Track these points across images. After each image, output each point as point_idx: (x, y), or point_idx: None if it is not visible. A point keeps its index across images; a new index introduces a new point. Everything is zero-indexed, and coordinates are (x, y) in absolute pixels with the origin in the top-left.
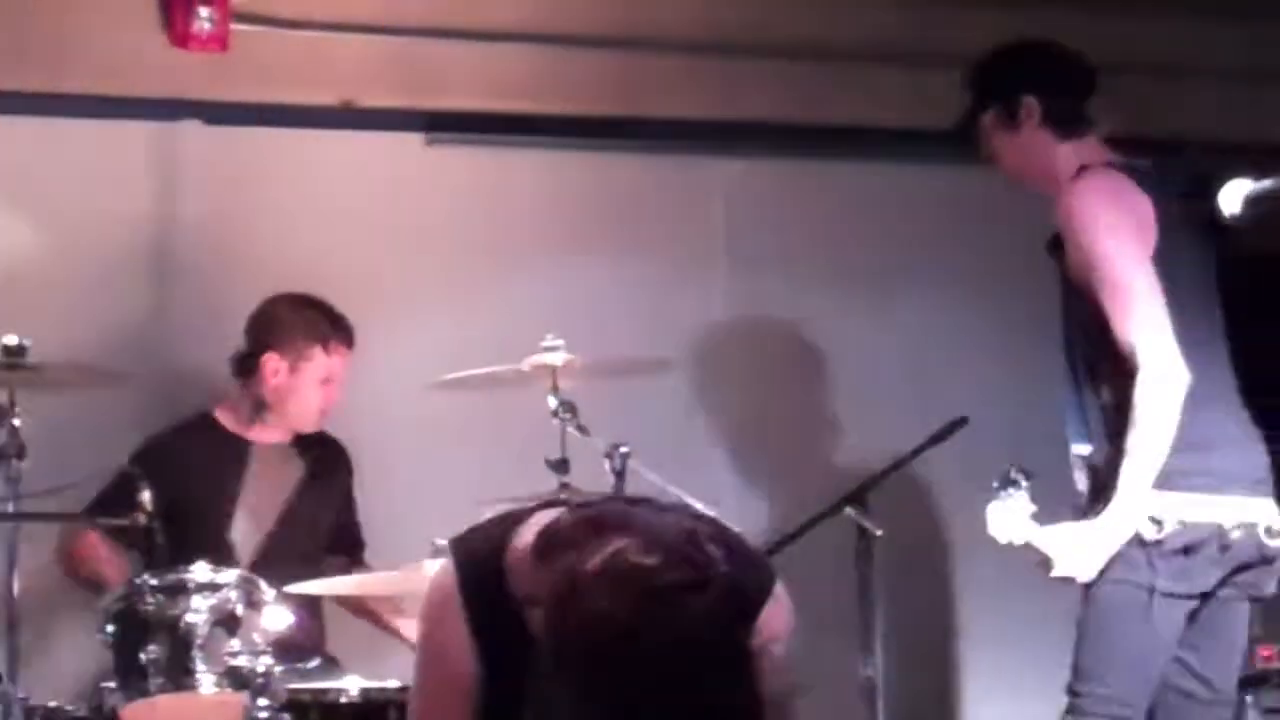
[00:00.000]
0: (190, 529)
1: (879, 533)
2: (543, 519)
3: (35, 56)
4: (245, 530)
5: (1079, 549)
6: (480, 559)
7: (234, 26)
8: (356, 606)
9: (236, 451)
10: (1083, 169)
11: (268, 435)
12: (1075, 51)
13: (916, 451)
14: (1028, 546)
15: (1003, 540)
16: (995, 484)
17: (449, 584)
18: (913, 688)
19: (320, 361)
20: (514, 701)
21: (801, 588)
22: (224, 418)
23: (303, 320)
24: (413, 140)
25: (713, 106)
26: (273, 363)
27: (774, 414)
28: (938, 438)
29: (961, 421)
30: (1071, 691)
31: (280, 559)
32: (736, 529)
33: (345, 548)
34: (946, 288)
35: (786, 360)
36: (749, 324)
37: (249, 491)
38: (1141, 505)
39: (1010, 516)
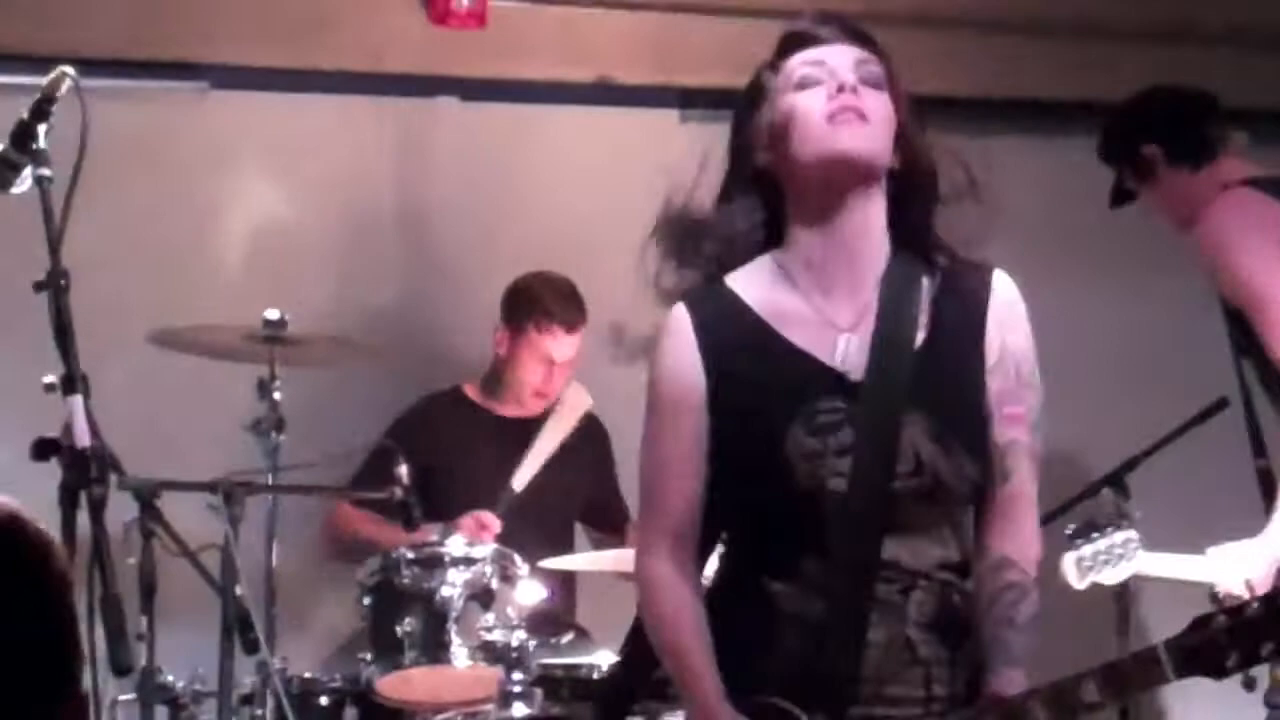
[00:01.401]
0: (441, 501)
1: (1139, 514)
2: None
3: (296, 34)
4: (493, 505)
5: (1241, 564)
6: (703, 284)
7: (492, 3)
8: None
9: (483, 424)
10: (1224, 189)
11: (510, 409)
12: (1185, 86)
13: (1179, 431)
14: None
15: (1079, 586)
16: (1068, 533)
17: (679, 307)
18: None
19: (533, 339)
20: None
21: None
22: (472, 391)
23: (527, 297)
24: (668, 116)
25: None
26: (499, 334)
27: None
28: (1200, 418)
29: (1222, 404)
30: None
31: (529, 533)
32: None
33: (604, 521)
34: (1165, 267)
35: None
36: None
37: (494, 463)
38: None
39: (1079, 566)
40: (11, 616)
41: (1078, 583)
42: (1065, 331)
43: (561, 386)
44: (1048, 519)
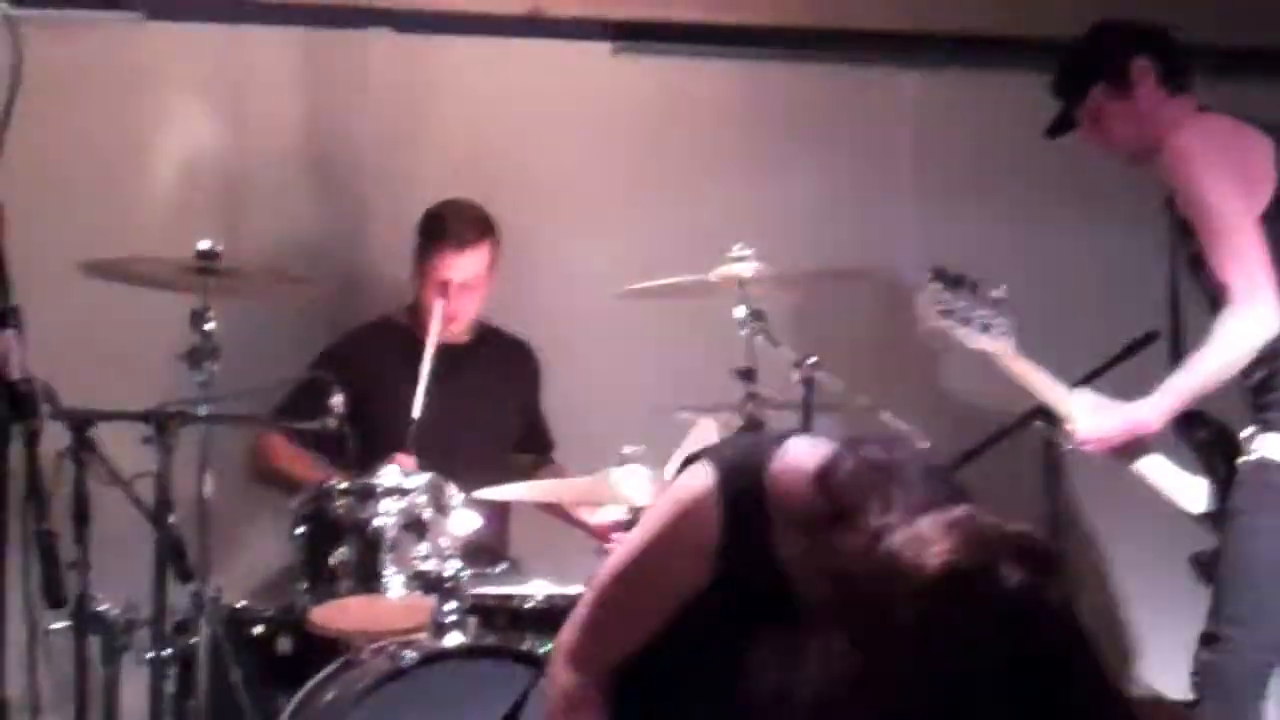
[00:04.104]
0: (373, 431)
1: (1069, 446)
2: (803, 447)
3: None
4: (428, 430)
5: (1100, 415)
6: (742, 470)
7: None
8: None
9: (411, 351)
10: (1199, 112)
11: (445, 336)
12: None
13: (1107, 365)
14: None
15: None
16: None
17: (710, 487)
18: (1090, 607)
19: (431, 262)
20: (727, 620)
21: (988, 505)
22: (404, 318)
23: (425, 219)
24: (600, 49)
25: (901, 19)
26: (412, 263)
27: None
28: (1128, 351)
29: (1153, 336)
30: (1214, 636)
31: (462, 460)
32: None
33: (533, 447)
34: (1142, 200)
35: (975, 272)
36: (937, 235)
37: (431, 391)
38: (1168, 411)
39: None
40: None
41: (927, 321)
42: (994, 268)
43: (472, 310)
44: (968, 456)
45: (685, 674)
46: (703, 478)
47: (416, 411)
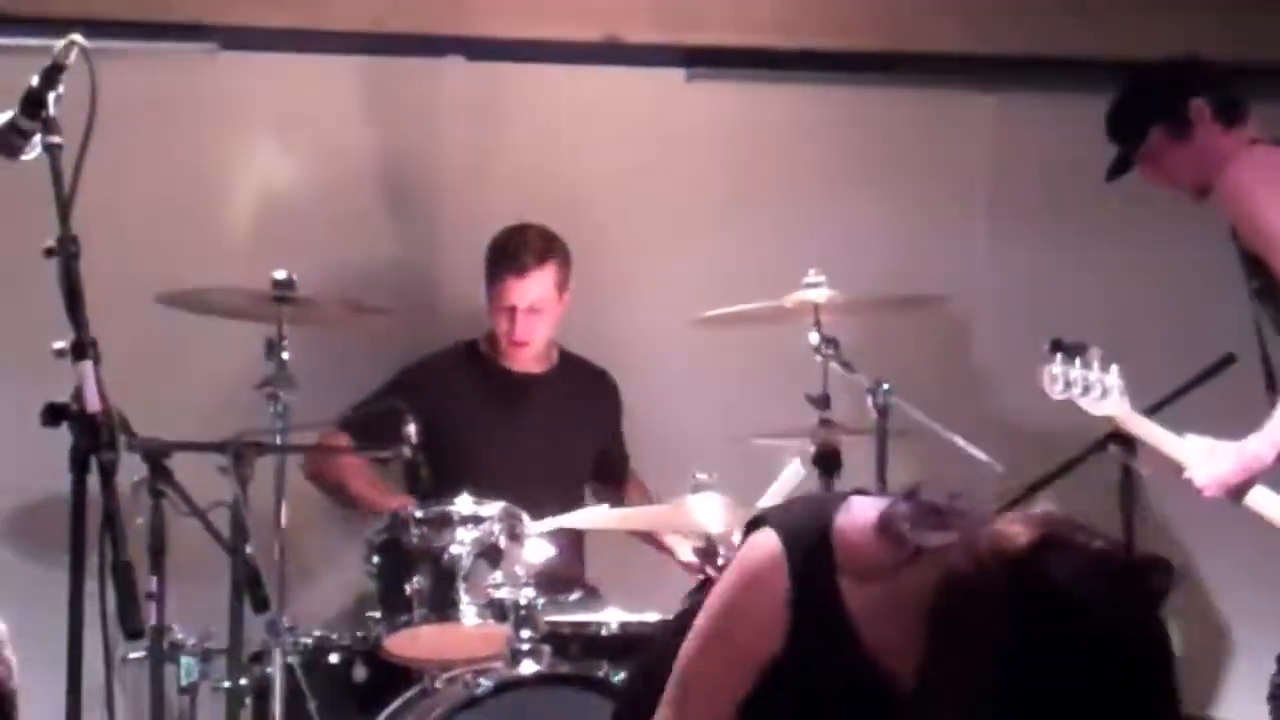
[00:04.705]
0: (445, 459)
1: (1145, 471)
2: (864, 502)
3: None
4: (502, 459)
5: (1215, 459)
6: (808, 531)
7: None
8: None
9: (490, 378)
10: (1251, 144)
11: (518, 364)
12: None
13: (1184, 389)
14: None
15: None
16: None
17: (776, 551)
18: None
19: (497, 288)
20: (804, 682)
21: None
22: (484, 345)
23: (493, 247)
24: (674, 75)
25: (972, 40)
26: (484, 288)
27: (1037, 350)
28: (1205, 376)
29: (1229, 359)
30: None
31: (538, 489)
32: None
33: (612, 474)
34: (1217, 224)
35: (1050, 295)
36: (1012, 259)
37: (502, 418)
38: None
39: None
40: None
41: (1052, 393)
42: (1068, 294)
43: (541, 334)
44: (1047, 481)
45: None
46: (768, 542)
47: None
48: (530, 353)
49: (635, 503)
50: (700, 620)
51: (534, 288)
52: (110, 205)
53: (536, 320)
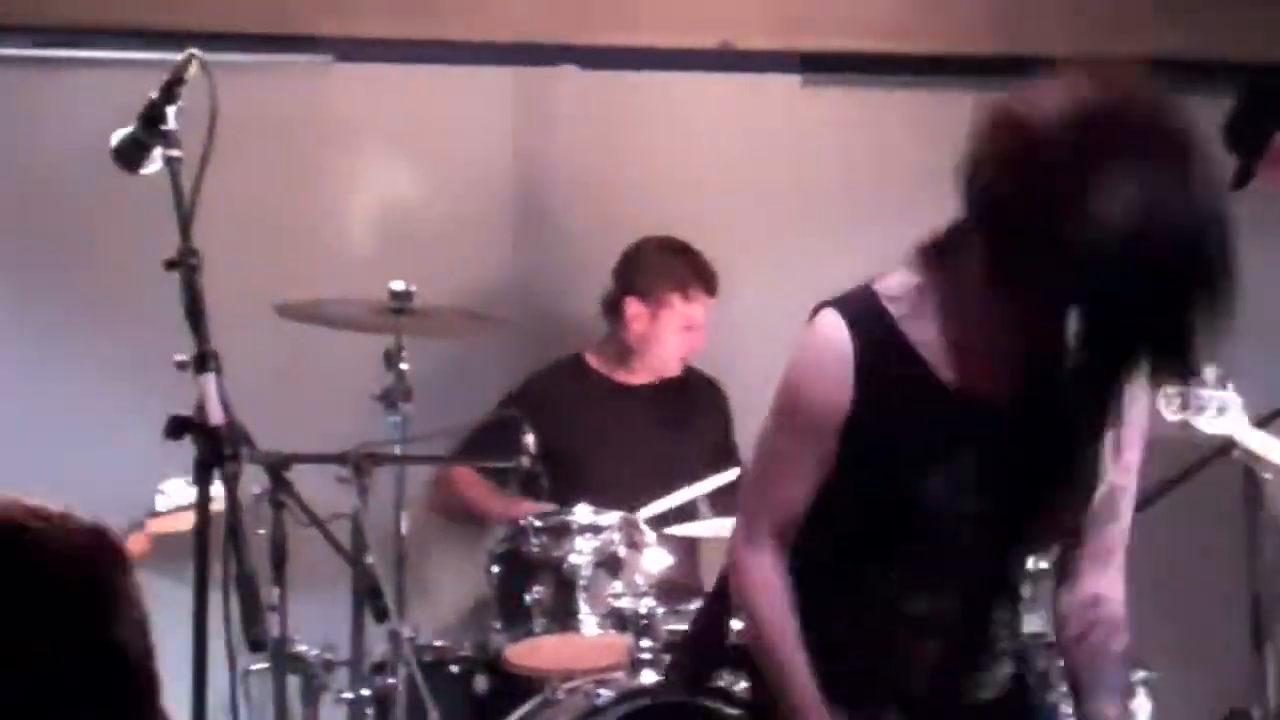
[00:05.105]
0: (561, 471)
1: (1268, 476)
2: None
3: (419, 4)
4: (616, 472)
5: None
6: (853, 296)
7: None
8: None
9: (604, 393)
10: None
11: (635, 376)
12: None
13: None
14: None
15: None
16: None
17: (831, 314)
18: None
19: (678, 308)
20: (883, 429)
21: (1188, 534)
22: (594, 360)
23: (664, 265)
24: (789, 81)
25: (1092, 42)
26: (633, 308)
27: None
28: None
29: None
30: None
31: (653, 500)
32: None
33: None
34: None
35: None
36: None
37: (618, 432)
38: None
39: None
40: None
41: (1169, 414)
42: None
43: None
44: (1171, 485)
45: (860, 532)
46: (822, 314)
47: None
48: (681, 365)
49: None
50: (772, 405)
51: (711, 305)
52: (228, 217)
53: (700, 334)
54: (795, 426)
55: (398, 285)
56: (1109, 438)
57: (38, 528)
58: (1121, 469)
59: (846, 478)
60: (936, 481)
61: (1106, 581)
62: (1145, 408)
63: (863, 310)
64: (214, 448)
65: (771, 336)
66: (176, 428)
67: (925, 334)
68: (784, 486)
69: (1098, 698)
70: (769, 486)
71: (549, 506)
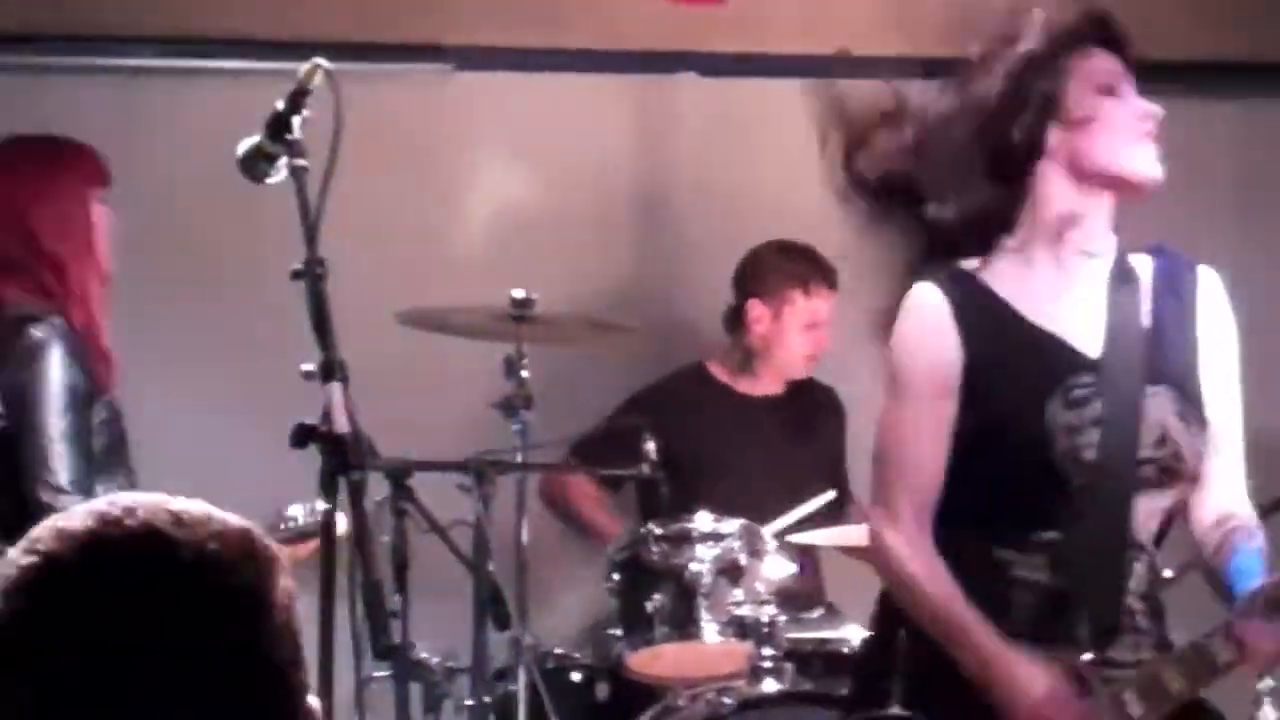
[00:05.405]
0: (680, 480)
1: None
2: None
3: (538, 13)
4: (737, 481)
5: None
6: (941, 269)
7: None
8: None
9: (726, 403)
10: None
11: (758, 386)
12: None
13: None
14: None
15: None
16: None
17: (926, 286)
18: None
19: (801, 305)
20: (995, 374)
21: None
22: (715, 369)
23: (783, 263)
24: (910, 88)
25: (1215, 45)
26: (756, 310)
27: None
28: None
29: None
30: None
31: (771, 508)
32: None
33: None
34: None
35: None
36: (1257, 269)
37: (739, 443)
38: None
39: None
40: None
41: None
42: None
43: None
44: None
45: (993, 494)
46: (917, 286)
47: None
48: (813, 365)
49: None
50: (887, 385)
51: (831, 304)
52: (350, 226)
53: (825, 334)
54: (915, 395)
55: (518, 293)
56: (1206, 374)
57: (181, 531)
58: (1224, 401)
59: (972, 435)
60: (1055, 418)
61: (1231, 498)
62: (1231, 335)
63: (947, 275)
64: (340, 456)
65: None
66: (302, 436)
67: (1008, 288)
68: (920, 462)
69: (1246, 582)
70: (907, 465)
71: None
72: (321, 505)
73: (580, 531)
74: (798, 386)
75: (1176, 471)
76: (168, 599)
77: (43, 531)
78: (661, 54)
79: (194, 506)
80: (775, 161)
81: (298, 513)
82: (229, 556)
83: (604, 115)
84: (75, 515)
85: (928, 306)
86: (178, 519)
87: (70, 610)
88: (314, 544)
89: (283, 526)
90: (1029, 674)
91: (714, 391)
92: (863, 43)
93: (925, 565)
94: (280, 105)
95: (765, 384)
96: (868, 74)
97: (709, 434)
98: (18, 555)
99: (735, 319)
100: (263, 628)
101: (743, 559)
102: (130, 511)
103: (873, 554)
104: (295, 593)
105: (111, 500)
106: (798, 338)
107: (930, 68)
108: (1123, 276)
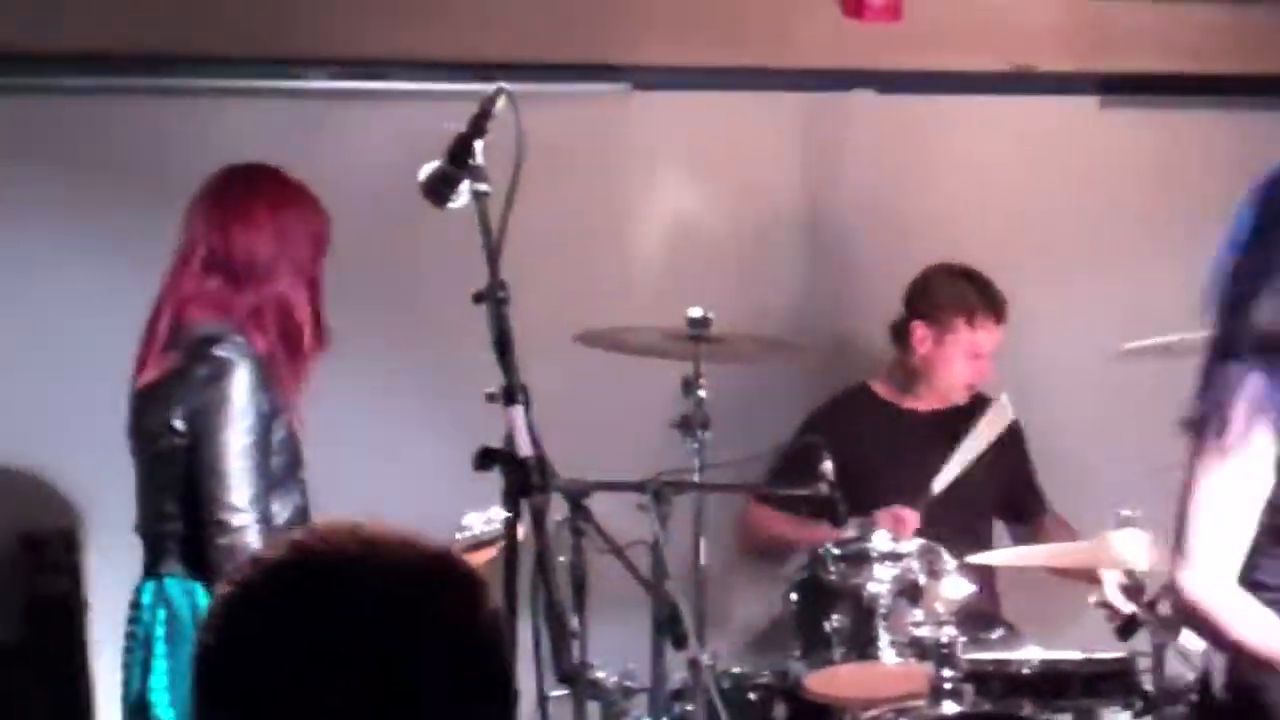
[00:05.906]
0: (859, 499)
1: None
2: None
3: (714, 32)
4: (904, 499)
5: None
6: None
7: None
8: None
9: (892, 420)
10: None
11: (922, 403)
12: None
13: None
14: None
15: None
16: None
17: (1244, 365)
18: None
19: (964, 335)
20: None
21: None
22: (880, 387)
23: (951, 291)
24: (1086, 104)
25: None
26: (920, 331)
27: None
28: None
29: None
30: None
31: (947, 528)
32: None
33: (1025, 509)
34: None
35: None
36: None
37: (906, 462)
38: None
39: None
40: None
41: None
42: None
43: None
44: None
45: None
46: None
47: (940, 486)
48: (971, 391)
49: (1057, 539)
50: (1195, 459)
51: (995, 336)
52: (529, 247)
53: (990, 363)
54: (1238, 466)
55: (695, 312)
56: None
57: (374, 560)
58: None
59: None
60: None
61: None
62: None
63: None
64: (523, 479)
65: (1072, 360)
66: (485, 459)
67: None
68: (1239, 530)
69: None
70: (1229, 532)
71: (850, 532)
72: (500, 513)
73: (785, 548)
74: (969, 402)
75: None
76: (359, 629)
77: (243, 563)
78: (838, 71)
79: (389, 532)
80: (949, 178)
81: (473, 521)
82: (423, 583)
83: (780, 133)
84: (274, 546)
85: (1255, 395)
86: (370, 542)
87: (268, 640)
88: (489, 552)
89: (458, 536)
90: None
91: (879, 409)
92: (1038, 58)
93: (1239, 611)
94: (463, 129)
95: (928, 400)
96: (1041, 90)
97: (875, 452)
98: (220, 587)
99: (901, 335)
100: (464, 655)
101: (921, 579)
102: (326, 539)
103: (1196, 607)
104: (501, 616)
105: (309, 529)
106: (959, 366)
107: (1106, 84)
108: None
